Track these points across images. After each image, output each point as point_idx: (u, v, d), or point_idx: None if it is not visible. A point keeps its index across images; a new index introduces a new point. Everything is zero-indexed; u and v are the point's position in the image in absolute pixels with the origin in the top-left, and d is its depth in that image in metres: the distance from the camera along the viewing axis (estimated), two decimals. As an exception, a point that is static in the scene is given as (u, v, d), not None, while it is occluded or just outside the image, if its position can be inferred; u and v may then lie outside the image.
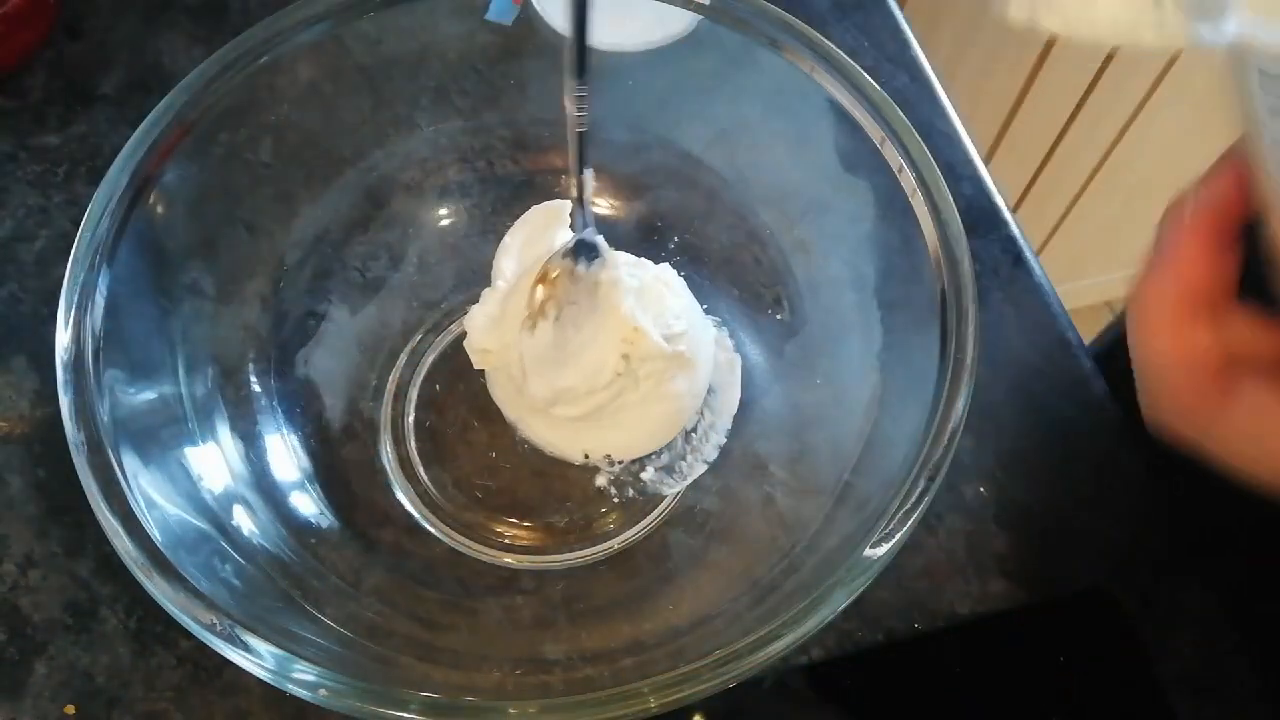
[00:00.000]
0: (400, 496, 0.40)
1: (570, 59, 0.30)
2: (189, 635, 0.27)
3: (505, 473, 0.41)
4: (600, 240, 0.37)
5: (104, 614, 0.39)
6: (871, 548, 0.29)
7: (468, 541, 0.40)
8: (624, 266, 0.38)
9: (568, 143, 0.33)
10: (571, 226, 0.40)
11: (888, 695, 0.39)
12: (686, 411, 0.40)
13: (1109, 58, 0.92)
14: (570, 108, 0.32)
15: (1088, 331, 0.49)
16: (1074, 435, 0.45)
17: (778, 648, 0.28)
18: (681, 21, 0.38)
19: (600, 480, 0.41)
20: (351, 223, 0.41)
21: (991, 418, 0.45)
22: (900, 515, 0.29)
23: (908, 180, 0.34)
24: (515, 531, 0.40)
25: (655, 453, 0.40)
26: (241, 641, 0.27)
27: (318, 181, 0.40)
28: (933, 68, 0.54)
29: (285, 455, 0.38)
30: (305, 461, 0.39)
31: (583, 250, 0.37)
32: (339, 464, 0.40)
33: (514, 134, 0.43)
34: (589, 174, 0.35)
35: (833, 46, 0.35)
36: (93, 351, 0.31)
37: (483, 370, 0.41)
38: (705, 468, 0.41)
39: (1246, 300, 0.27)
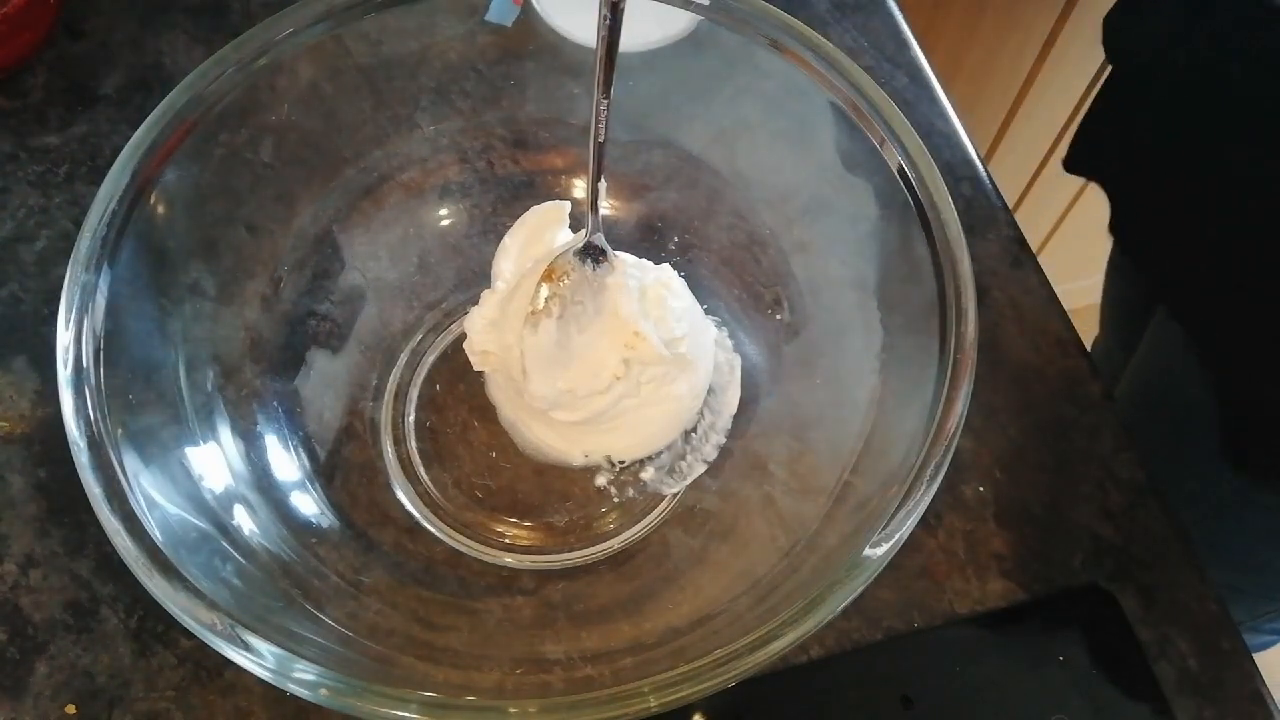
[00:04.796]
0: (400, 496, 0.40)
1: (598, 74, 0.31)
2: (190, 635, 0.28)
3: (505, 472, 0.41)
4: (607, 246, 0.37)
5: (105, 613, 0.39)
6: (871, 547, 0.29)
7: (468, 541, 0.40)
8: (626, 269, 0.38)
9: (589, 152, 0.34)
10: (572, 229, 0.40)
11: (888, 695, 0.39)
12: (686, 413, 0.40)
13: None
14: (593, 120, 0.32)
15: (1087, 331, 0.49)
16: (1073, 435, 0.45)
17: (778, 647, 0.28)
18: (681, 22, 0.38)
19: (600, 480, 0.41)
20: (352, 223, 0.41)
21: (991, 417, 0.45)
22: (900, 515, 0.29)
23: (907, 181, 0.34)
24: (515, 531, 0.40)
25: (655, 453, 0.41)
26: (242, 641, 0.27)
27: (318, 182, 0.40)
28: (932, 68, 0.54)
29: (286, 455, 0.38)
30: (306, 461, 0.39)
31: (591, 252, 0.37)
32: (339, 464, 0.40)
33: (514, 134, 0.43)
34: (603, 182, 0.35)
35: (832, 47, 0.36)
36: (93, 352, 0.31)
37: (483, 371, 0.41)
38: (705, 467, 0.41)
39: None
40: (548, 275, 0.37)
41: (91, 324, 0.31)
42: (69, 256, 0.31)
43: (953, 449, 0.30)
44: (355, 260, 0.42)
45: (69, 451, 0.29)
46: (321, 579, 0.34)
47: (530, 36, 0.39)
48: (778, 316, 0.41)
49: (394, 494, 0.40)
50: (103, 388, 0.30)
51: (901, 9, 0.56)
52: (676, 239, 0.44)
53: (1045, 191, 1.09)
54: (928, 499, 0.30)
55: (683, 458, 0.41)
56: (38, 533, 0.40)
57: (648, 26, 0.38)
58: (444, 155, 0.42)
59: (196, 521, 0.32)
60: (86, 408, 0.30)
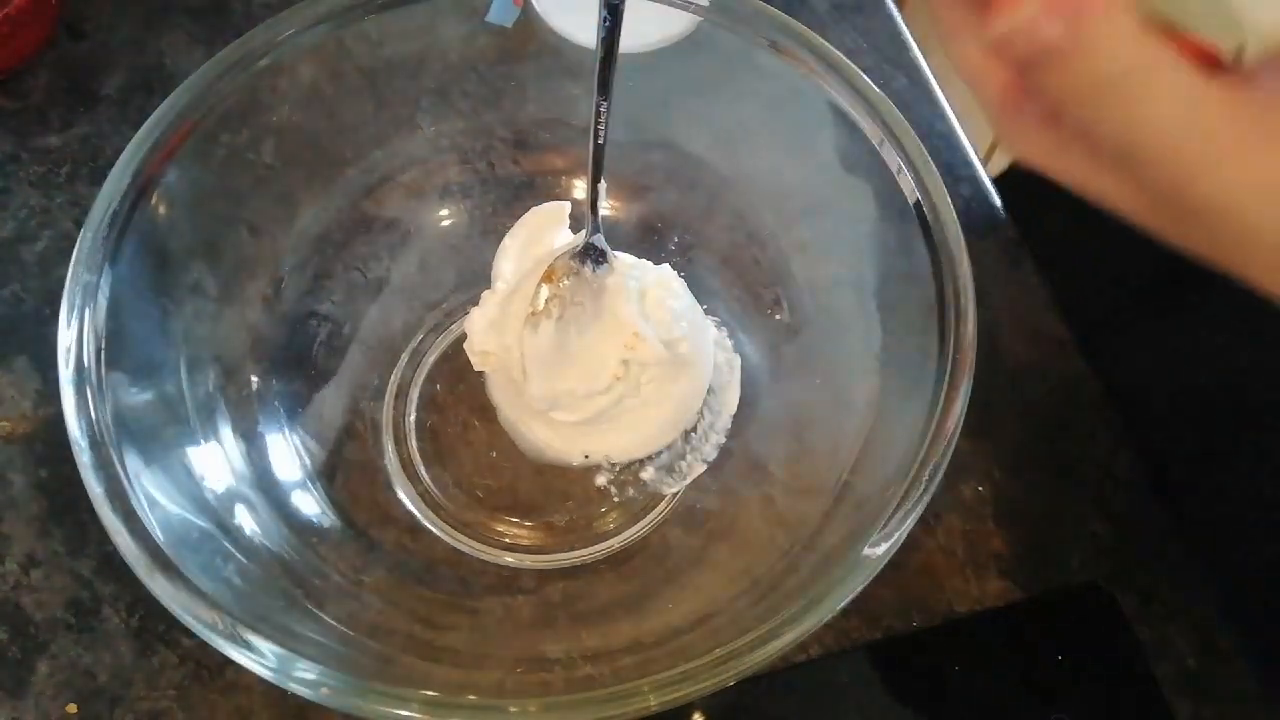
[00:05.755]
0: (401, 496, 0.40)
1: (596, 76, 0.31)
2: (191, 634, 0.28)
3: (506, 472, 0.41)
4: (607, 247, 0.37)
5: (106, 613, 0.39)
6: (870, 546, 0.29)
7: (468, 541, 0.40)
8: (626, 270, 0.38)
9: (588, 153, 0.34)
10: (573, 229, 0.41)
11: (887, 693, 0.39)
12: (686, 413, 0.40)
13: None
14: (592, 121, 0.32)
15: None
16: (1072, 434, 0.45)
17: (777, 646, 0.28)
18: (681, 23, 0.38)
19: (600, 480, 0.41)
20: (353, 223, 0.41)
21: (990, 417, 0.45)
22: (899, 514, 0.29)
23: (906, 181, 0.34)
24: (516, 531, 0.40)
25: (655, 452, 0.41)
26: (243, 640, 0.27)
27: (319, 182, 0.40)
28: (931, 69, 0.54)
29: (287, 455, 0.38)
30: (307, 461, 0.39)
31: (591, 254, 0.37)
32: (340, 463, 0.40)
33: (514, 135, 0.43)
34: (602, 183, 0.35)
35: (832, 48, 0.36)
36: (95, 351, 0.31)
37: (484, 371, 0.41)
38: (705, 467, 0.41)
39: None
40: (548, 276, 0.37)
41: (93, 324, 0.31)
42: (70, 257, 0.31)
43: (952, 449, 0.30)
44: (356, 260, 0.42)
45: (70, 451, 0.29)
46: (322, 578, 0.34)
47: (530, 38, 0.40)
48: (777, 317, 0.41)
49: (395, 493, 0.40)
50: (104, 387, 0.31)
51: (900, 11, 0.56)
52: (676, 239, 0.44)
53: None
54: (927, 499, 0.30)
55: (683, 457, 0.41)
56: (39, 532, 0.40)
57: (648, 27, 0.38)
58: (444, 156, 0.43)
59: (198, 521, 0.32)
60: (88, 407, 0.30)
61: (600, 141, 0.33)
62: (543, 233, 0.41)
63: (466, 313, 0.40)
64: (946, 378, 0.31)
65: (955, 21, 0.24)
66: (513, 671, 0.34)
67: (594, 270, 0.38)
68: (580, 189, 0.44)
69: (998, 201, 0.51)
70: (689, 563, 0.39)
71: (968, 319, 0.32)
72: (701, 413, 0.41)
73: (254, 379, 0.38)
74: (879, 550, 0.29)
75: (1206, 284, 0.26)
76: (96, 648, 0.38)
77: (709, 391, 0.41)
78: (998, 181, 0.51)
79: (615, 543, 0.40)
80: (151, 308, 0.34)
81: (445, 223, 0.44)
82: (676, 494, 0.41)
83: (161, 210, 0.34)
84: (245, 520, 0.34)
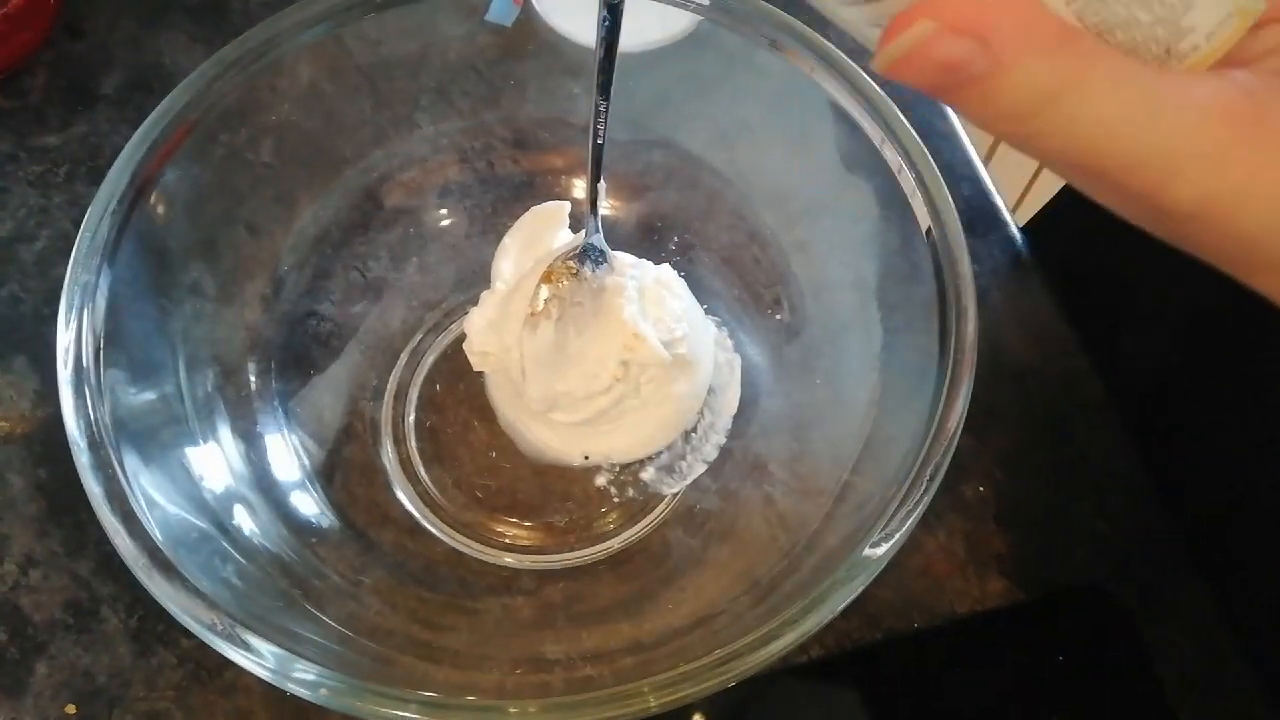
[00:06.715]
0: (401, 496, 0.40)
1: (596, 76, 0.31)
2: (190, 635, 0.28)
3: (505, 472, 0.41)
4: (606, 247, 0.37)
5: (105, 613, 0.39)
6: (871, 547, 0.29)
7: (468, 541, 0.40)
8: (626, 270, 0.38)
9: (588, 153, 0.34)
10: (572, 229, 0.40)
11: (887, 694, 0.39)
12: (686, 414, 0.40)
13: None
14: (592, 121, 0.32)
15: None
16: (1073, 434, 0.45)
17: (778, 647, 0.28)
18: (682, 22, 0.38)
19: (600, 480, 0.41)
20: (352, 223, 0.41)
21: (991, 417, 0.45)
22: (900, 514, 0.29)
23: (907, 181, 0.34)
24: (515, 531, 0.40)
25: (655, 453, 0.41)
26: (242, 641, 0.27)
27: (318, 182, 0.40)
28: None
29: (286, 455, 0.38)
30: (306, 461, 0.39)
31: (590, 254, 0.37)
32: (340, 464, 0.40)
33: (514, 134, 0.43)
34: (602, 183, 0.35)
35: (833, 47, 0.36)
36: (93, 351, 0.31)
37: (483, 371, 0.41)
38: (705, 467, 0.41)
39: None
40: (547, 276, 0.37)
41: (91, 324, 0.31)
42: (69, 256, 0.31)
43: (953, 449, 0.30)
44: (355, 260, 0.42)
45: (69, 451, 0.29)
46: (322, 579, 0.34)
47: (530, 36, 0.39)
48: (778, 316, 0.41)
49: (394, 494, 0.40)
50: (103, 388, 0.30)
51: (901, 9, 0.56)
52: (676, 239, 0.44)
53: (1045, 191, 1.09)
54: (928, 499, 0.30)
55: (682, 457, 0.41)
56: (38, 533, 0.40)
57: (648, 26, 0.38)
58: (444, 155, 0.42)
59: (196, 521, 0.32)
60: (86, 408, 0.30)
61: (600, 141, 0.33)
62: (542, 233, 0.40)
63: (466, 313, 0.40)
64: (948, 377, 0.31)
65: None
66: (512, 672, 0.34)
67: (593, 270, 0.37)
68: (580, 188, 0.44)
69: (999, 201, 0.51)
70: (689, 563, 0.39)
71: (969, 318, 0.32)
72: (702, 413, 0.41)
73: (253, 379, 0.38)
74: (880, 551, 0.29)
75: (1207, 283, 0.25)
76: (95, 648, 0.38)
77: (709, 392, 0.41)
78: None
79: (615, 543, 0.40)
80: (150, 308, 0.34)
81: (444, 222, 0.44)
82: (676, 494, 0.41)
83: (160, 210, 0.34)
84: (244, 521, 0.34)
